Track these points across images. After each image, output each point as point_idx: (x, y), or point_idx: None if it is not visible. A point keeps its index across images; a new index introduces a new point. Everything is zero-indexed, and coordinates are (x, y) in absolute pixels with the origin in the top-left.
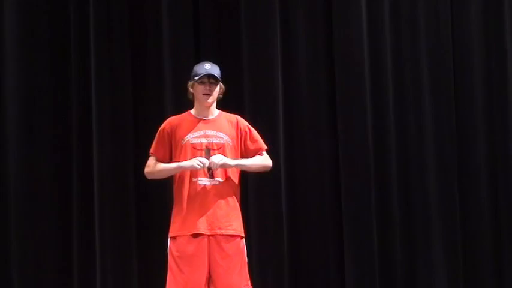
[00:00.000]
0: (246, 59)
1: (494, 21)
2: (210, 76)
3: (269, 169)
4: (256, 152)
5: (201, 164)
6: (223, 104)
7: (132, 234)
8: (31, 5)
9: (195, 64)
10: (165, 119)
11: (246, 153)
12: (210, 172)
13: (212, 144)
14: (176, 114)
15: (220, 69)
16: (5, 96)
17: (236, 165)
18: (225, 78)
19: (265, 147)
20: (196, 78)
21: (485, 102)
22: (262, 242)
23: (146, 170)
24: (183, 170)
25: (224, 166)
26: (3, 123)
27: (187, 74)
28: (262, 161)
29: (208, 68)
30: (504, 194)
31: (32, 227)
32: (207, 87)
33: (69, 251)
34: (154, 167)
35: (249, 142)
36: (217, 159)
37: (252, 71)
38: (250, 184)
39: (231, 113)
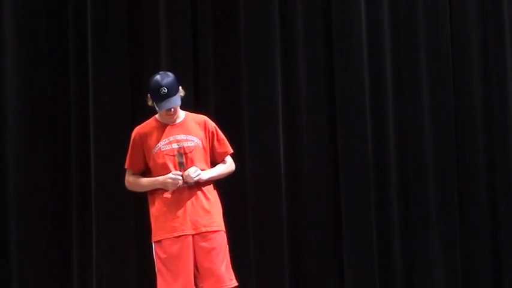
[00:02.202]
0: (244, 58)
1: (492, 19)
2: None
3: (231, 174)
4: (223, 155)
5: (176, 183)
6: (223, 106)
7: (131, 235)
8: (29, 5)
9: (193, 64)
10: None
11: (212, 155)
12: (184, 183)
13: (184, 149)
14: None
15: (174, 75)
16: (4, 96)
17: (209, 176)
18: (223, 78)
19: (231, 150)
20: (158, 109)
21: (484, 100)
22: (261, 242)
23: (126, 184)
24: (157, 187)
25: (199, 180)
26: (3, 124)
27: (184, 71)
28: (228, 167)
29: (165, 92)
30: (503, 193)
31: (30, 228)
32: (170, 112)
33: (68, 251)
34: (133, 182)
35: (215, 143)
36: (193, 173)
37: (251, 71)
38: (249, 184)
39: (198, 113)
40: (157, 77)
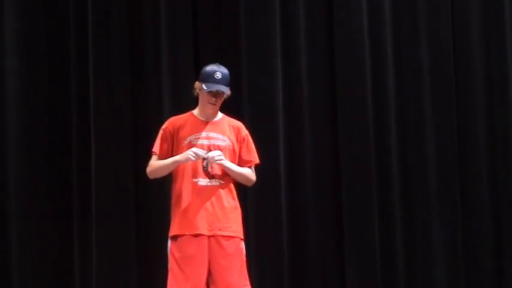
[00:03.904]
0: (244, 53)
1: (494, 16)
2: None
3: (250, 185)
4: (248, 163)
5: (196, 156)
6: (224, 106)
7: (131, 235)
8: (30, 6)
9: (193, 62)
10: (164, 117)
11: (238, 161)
12: (206, 165)
13: (214, 147)
14: (174, 112)
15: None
16: (4, 97)
17: (230, 167)
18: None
19: (258, 161)
20: (206, 88)
21: (486, 97)
22: (261, 242)
23: (148, 169)
24: (179, 164)
25: (220, 163)
26: (3, 124)
27: (185, 72)
28: (250, 174)
29: (219, 77)
30: (506, 193)
31: (31, 227)
32: (214, 99)
33: (68, 251)
34: (155, 164)
35: (244, 150)
36: (216, 154)
37: (251, 65)
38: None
39: (231, 116)
40: (215, 65)
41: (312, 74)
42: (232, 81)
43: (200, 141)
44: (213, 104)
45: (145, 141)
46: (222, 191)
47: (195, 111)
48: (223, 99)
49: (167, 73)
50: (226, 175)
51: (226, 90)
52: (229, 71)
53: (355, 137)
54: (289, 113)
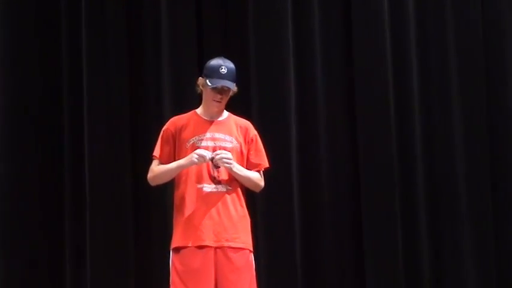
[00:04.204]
0: (253, 48)
1: None
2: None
3: (258, 190)
4: (256, 167)
5: (201, 158)
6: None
7: (129, 247)
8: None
9: (196, 55)
10: (164, 116)
11: (245, 164)
12: (213, 168)
13: (220, 148)
14: (176, 111)
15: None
16: None
17: (238, 170)
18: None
19: (267, 164)
20: (210, 84)
21: None
22: (272, 254)
23: (149, 175)
24: (183, 168)
25: (227, 168)
26: None
27: (188, 67)
28: (258, 179)
29: (224, 72)
30: None
31: (19, 233)
32: (219, 96)
33: (60, 261)
34: (157, 170)
35: (252, 152)
36: (224, 154)
37: (260, 57)
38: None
39: (240, 116)
40: (220, 58)
41: (328, 69)
42: (239, 76)
43: (204, 143)
44: (218, 102)
45: (145, 144)
46: (229, 198)
47: (199, 110)
48: (229, 97)
49: (168, 66)
50: (233, 180)
51: (233, 87)
52: (235, 64)
53: (375, 139)
54: (302, 112)
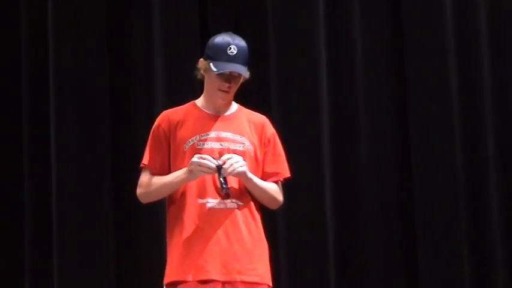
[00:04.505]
0: (272, 18)
1: None
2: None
3: (275, 207)
4: (273, 177)
5: (205, 169)
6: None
7: (111, 283)
8: None
9: (199, 29)
10: (154, 109)
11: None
12: (223, 180)
13: (228, 152)
14: (171, 102)
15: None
16: None
17: (253, 182)
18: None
19: (288, 174)
20: (215, 70)
21: None
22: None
23: (138, 190)
24: (184, 183)
25: (240, 175)
26: None
27: (186, 43)
28: (276, 193)
29: (234, 53)
30: None
31: None
32: (227, 84)
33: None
34: (147, 182)
35: (269, 157)
36: (235, 160)
37: (280, 33)
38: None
39: (253, 109)
40: (228, 35)
41: (371, 53)
42: (254, 56)
43: (208, 145)
44: (226, 92)
45: (131, 144)
46: (240, 216)
47: (199, 102)
48: (239, 85)
49: (159, 37)
50: (245, 192)
51: (244, 72)
52: (248, 42)
53: (433, 141)
54: (336, 107)
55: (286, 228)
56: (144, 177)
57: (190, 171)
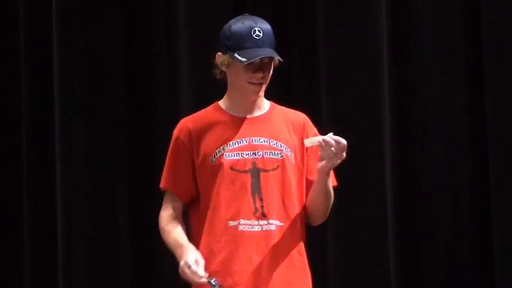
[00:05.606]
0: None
1: None
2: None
3: (320, 222)
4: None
5: (187, 275)
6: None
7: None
8: None
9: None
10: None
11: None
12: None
13: (264, 163)
14: (195, 107)
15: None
16: None
17: (329, 180)
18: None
19: (335, 182)
20: (244, 60)
21: None
22: None
23: (160, 224)
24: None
25: (332, 167)
26: None
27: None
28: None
29: (260, 36)
30: None
31: None
32: (259, 74)
33: None
34: (163, 226)
35: (312, 163)
36: (344, 148)
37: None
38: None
39: (290, 107)
40: (246, 18)
41: (440, 46)
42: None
43: (238, 155)
44: (259, 85)
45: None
46: (282, 240)
47: (223, 103)
48: (271, 73)
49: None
50: (290, 209)
51: (276, 56)
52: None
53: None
54: (399, 103)
55: (340, 249)
56: (166, 205)
57: (181, 264)
